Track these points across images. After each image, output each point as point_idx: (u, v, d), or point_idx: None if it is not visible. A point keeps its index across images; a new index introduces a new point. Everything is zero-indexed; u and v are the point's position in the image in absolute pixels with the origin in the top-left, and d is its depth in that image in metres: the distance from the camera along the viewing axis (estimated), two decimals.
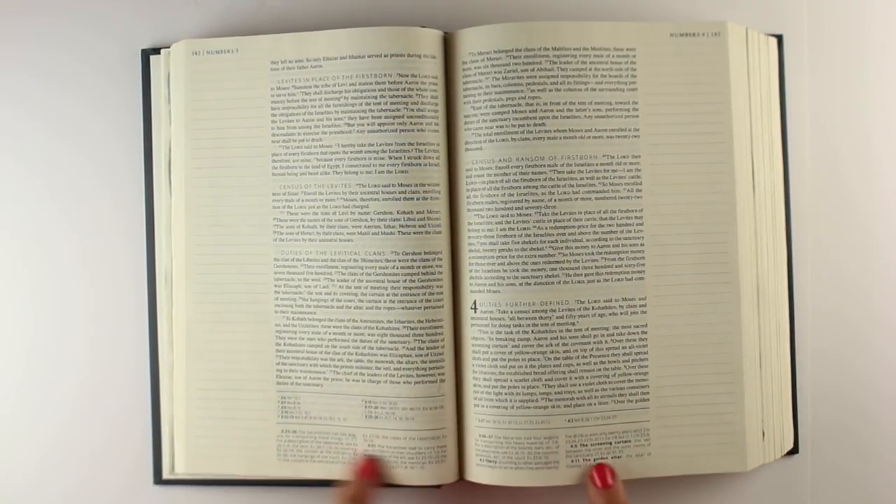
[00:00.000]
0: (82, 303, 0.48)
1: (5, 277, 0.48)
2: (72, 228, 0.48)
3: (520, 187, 0.42)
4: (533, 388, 0.42)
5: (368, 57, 0.43)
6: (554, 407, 0.42)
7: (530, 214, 0.42)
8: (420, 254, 0.43)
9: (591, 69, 0.43)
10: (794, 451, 0.47)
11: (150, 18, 0.48)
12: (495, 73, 0.42)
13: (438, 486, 0.44)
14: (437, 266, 0.43)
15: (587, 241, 0.42)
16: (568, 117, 0.42)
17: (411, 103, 0.43)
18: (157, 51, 0.47)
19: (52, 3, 0.48)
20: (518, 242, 0.42)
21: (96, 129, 0.48)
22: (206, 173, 0.45)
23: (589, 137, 0.43)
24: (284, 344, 0.44)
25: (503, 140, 0.42)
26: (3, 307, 0.48)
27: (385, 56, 0.43)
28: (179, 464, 0.45)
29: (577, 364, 0.42)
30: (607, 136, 0.43)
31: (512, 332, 0.42)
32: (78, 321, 0.48)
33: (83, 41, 0.48)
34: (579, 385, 0.42)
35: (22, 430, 0.48)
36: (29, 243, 0.48)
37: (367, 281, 0.43)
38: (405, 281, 0.42)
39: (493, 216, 0.42)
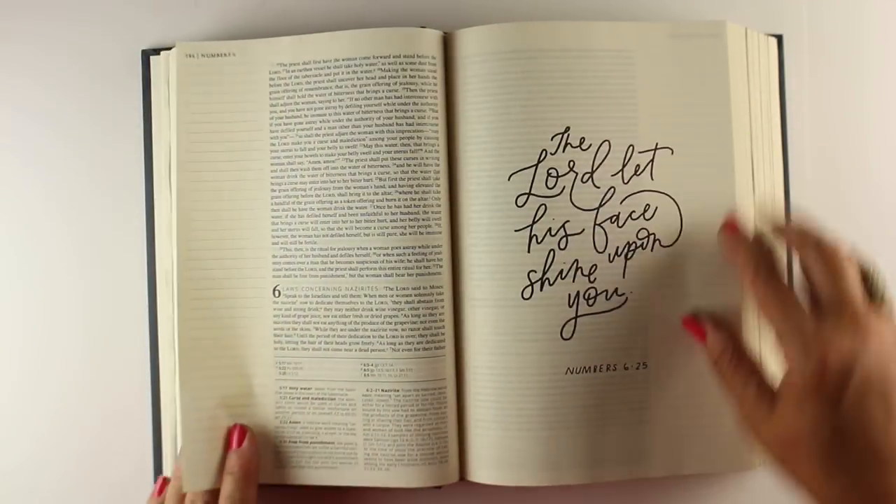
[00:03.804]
0: (82, 304, 0.48)
1: (4, 278, 0.48)
2: (72, 229, 0.48)
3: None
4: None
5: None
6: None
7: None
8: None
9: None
10: None
11: (150, 18, 0.48)
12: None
13: (439, 487, 0.43)
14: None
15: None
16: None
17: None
18: (157, 51, 0.47)
19: (51, 3, 0.48)
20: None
21: (97, 130, 0.48)
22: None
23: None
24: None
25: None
26: (1, 307, 0.48)
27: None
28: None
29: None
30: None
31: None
32: (78, 322, 0.48)
33: (83, 42, 0.48)
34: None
35: (20, 430, 0.48)
36: (28, 244, 0.48)
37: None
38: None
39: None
